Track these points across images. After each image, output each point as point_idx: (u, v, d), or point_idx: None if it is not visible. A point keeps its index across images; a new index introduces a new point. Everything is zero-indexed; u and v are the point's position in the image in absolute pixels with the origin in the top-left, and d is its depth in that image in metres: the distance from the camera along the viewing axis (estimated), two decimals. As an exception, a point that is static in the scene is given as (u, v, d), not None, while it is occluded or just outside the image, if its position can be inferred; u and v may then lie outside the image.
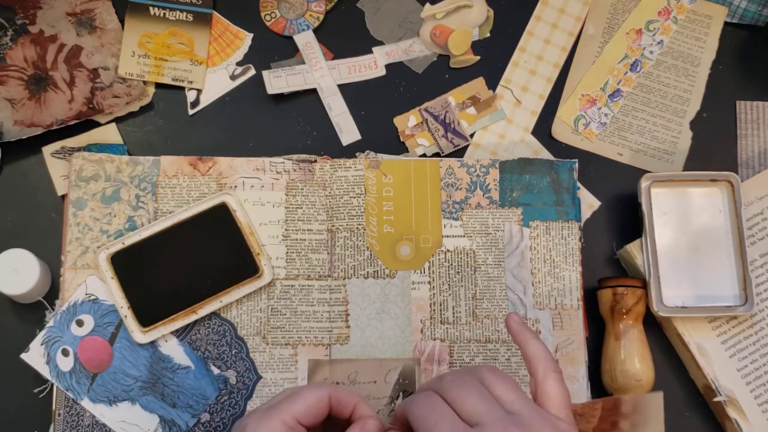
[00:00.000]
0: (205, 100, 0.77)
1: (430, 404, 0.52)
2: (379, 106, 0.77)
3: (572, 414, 0.54)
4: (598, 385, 0.70)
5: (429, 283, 0.71)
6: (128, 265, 0.69)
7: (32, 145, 0.74)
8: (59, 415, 0.68)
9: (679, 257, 0.72)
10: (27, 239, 0.72)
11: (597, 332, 0.72)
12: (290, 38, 0.78)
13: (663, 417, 0.53)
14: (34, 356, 0.68)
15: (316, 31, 0.78)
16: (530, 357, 0.55)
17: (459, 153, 0.76)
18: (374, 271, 0.71)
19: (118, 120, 0.76)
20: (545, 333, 0.70)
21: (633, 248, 0.72)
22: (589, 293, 0.73)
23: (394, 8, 0.80)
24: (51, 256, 0.71)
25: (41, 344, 0.68)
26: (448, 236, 0.72)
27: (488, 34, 0.80)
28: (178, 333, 0.69)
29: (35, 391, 0.69)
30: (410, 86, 0.78)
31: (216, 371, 0.69)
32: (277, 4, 0.79)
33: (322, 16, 0.79)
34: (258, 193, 0.72)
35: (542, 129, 0.78)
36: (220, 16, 0.79)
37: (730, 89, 0.79)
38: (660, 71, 0.79)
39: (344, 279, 0.71)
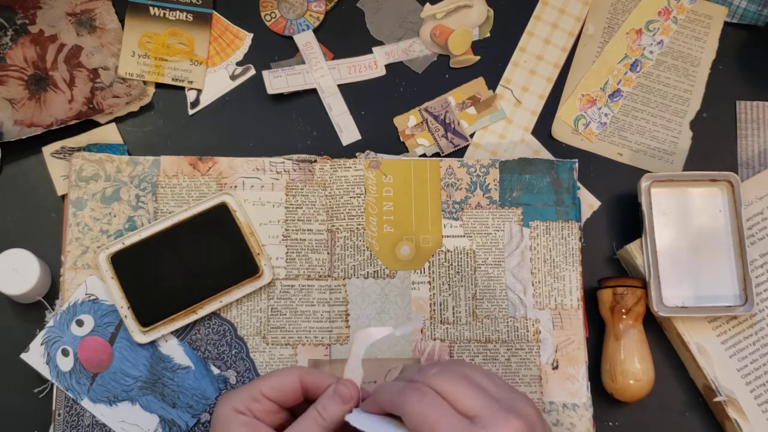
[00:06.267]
0: (205, 100, 0.77)
1: (427, 401, 0.52)
2: (379, 106, 0.77)
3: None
4: (598, 385, 0.70)
5: (429, 283, 0.71)
6: (128, 265, 0.69)
7: (32, 145, 0.74)
8: (59, 415, 0.67)
9: (679, 257, 0.72)
10: (27, 239, 0.72)
11: (597, 332, 0.72)
12: (290, 38, 0.78)
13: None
14: (34, 356, 0.68)
15: (316, 31, 0.78)
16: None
17: (459, 153, 0.76)
18: (374, 271, 0.71)
19: (118, 120, 0.76)
20: (545, 333, 0.70)
21: (633, 248, 0.72)
22: (589, 293, 0.73)
23: (394, 8, 0.80)
24: (51, 256, 0.71)
25: (41, 344, 0.68)
26: (448, 236, 0.72)
27: (488, 34, 0.80)
28: (178, 333, 0.69)
29: (35, 391, 0.69)
30: (410, 86, 0.78)
31: (216, 371, 0.69)
32: (277, 4, 0.79)
33: (322, 16, 0.79)
34: (258, 193, 0.72)
35: (542, 129, 0.78)
36: (220, 16, 0.79)
37: (730, 89, 0.79)
38: (660, 71, 0.79)
39: (344, 279, 0.71)
